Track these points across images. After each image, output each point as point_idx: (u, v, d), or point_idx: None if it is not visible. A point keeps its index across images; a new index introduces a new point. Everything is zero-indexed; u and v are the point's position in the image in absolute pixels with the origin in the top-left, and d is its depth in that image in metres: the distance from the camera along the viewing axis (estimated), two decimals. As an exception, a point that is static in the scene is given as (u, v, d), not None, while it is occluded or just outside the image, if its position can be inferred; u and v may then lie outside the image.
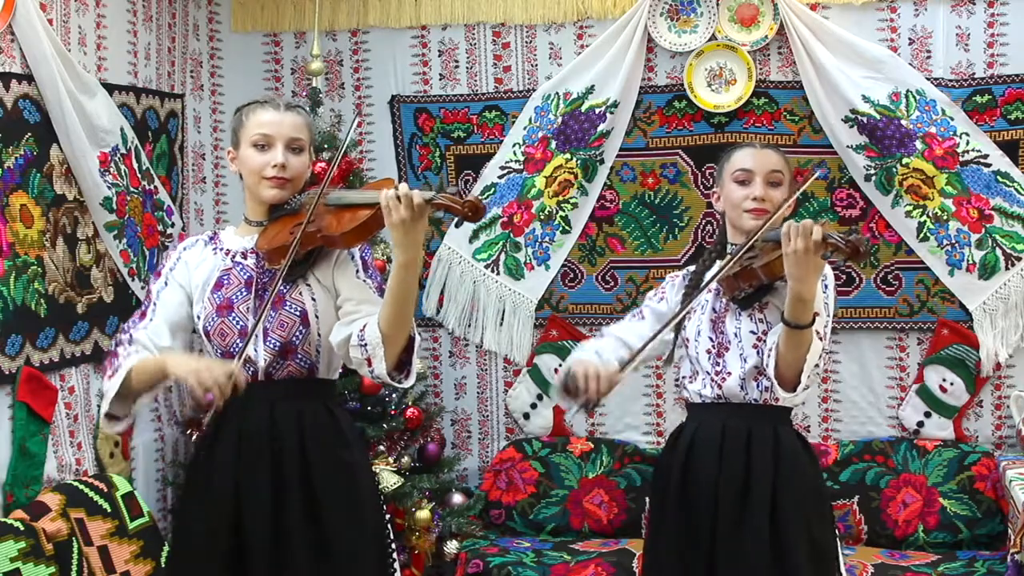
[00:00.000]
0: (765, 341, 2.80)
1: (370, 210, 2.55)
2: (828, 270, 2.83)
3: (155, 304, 2.71)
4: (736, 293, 2.84)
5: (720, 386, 2.87)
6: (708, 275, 2.94)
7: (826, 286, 2.81)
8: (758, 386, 2.83)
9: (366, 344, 2.54)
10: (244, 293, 2.68)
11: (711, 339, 2.89)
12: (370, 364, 2.55)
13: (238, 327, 2.65)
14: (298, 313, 2.66)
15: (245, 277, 2.69)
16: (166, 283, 2.73)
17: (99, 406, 3.89)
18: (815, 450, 3.00)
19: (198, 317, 2.70)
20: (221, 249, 2.75)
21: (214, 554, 2.62)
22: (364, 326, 2.56)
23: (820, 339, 2.71)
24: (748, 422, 2.84)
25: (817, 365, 2.74)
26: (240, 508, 2.62)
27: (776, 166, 2.88)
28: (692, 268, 3.03)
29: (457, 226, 4.61)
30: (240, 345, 2.60)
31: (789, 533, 2.78)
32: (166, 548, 3.61)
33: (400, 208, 2.44)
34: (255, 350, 2.65)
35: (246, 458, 2.63)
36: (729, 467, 2.82)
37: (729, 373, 2.86)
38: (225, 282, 2.70)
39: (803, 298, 2.60)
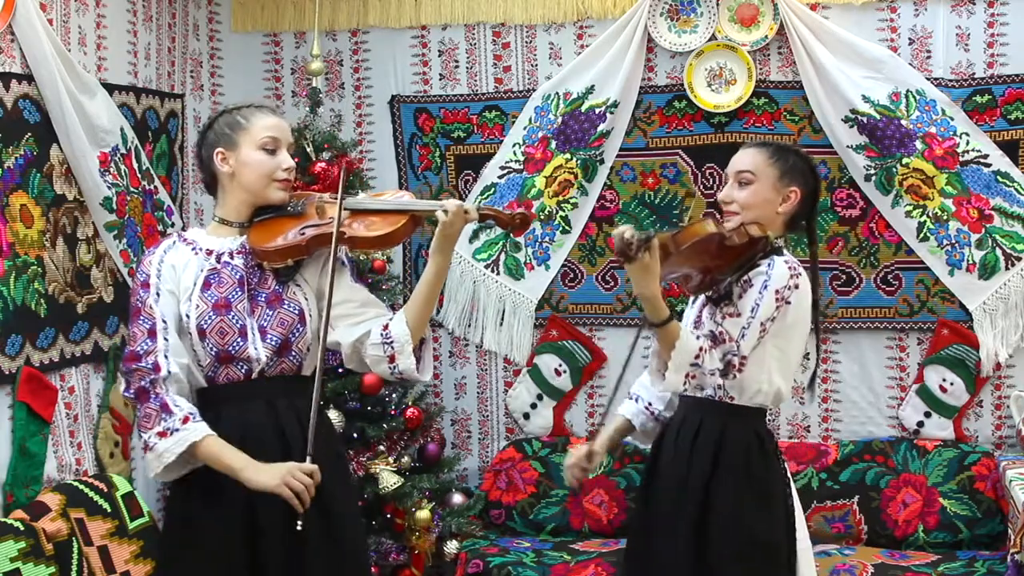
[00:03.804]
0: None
1: (403, 217, 2.70)
2: (781, 272, 2.77)
3: (161, 320, 2.67)
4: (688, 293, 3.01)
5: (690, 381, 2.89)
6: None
7: (764, 286, 2.76)
8: (719, 384, 2.83)
9: (392, 342, 2.68)
10: (238, 293, 2.71)
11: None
12: (393, 360, 2.68)
13: (238, 325, 2.68)
14: (296, 311, 2.72)
15: (237, 277, 2.72)
16: (158, 294, 2.70)
17: (99, 406, 3.91)
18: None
19: (187, 316, 2.69)
20: (201, 250, 2.75)
21: (232, 552, 2.64)
22: (386, 325, 2.69)
23: (721, 338, 2.72)
24: (701, 415, 2.88)
25: (696, 364, 2.72)
26: (254, 505, 2.63)
27: (745, 166, 2.87)
28: None
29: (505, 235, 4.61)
30: (239, 344, 2.66)
31: (716, 525, 2.78)
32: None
33: (462, 219, 2.65)
34: (255, 348, 2.68)
35: (255, 456, 2.62)
36: (676, 459, 2.88)
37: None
38: (214, 282, 2.71)
39: (644, 296, 2.69)
